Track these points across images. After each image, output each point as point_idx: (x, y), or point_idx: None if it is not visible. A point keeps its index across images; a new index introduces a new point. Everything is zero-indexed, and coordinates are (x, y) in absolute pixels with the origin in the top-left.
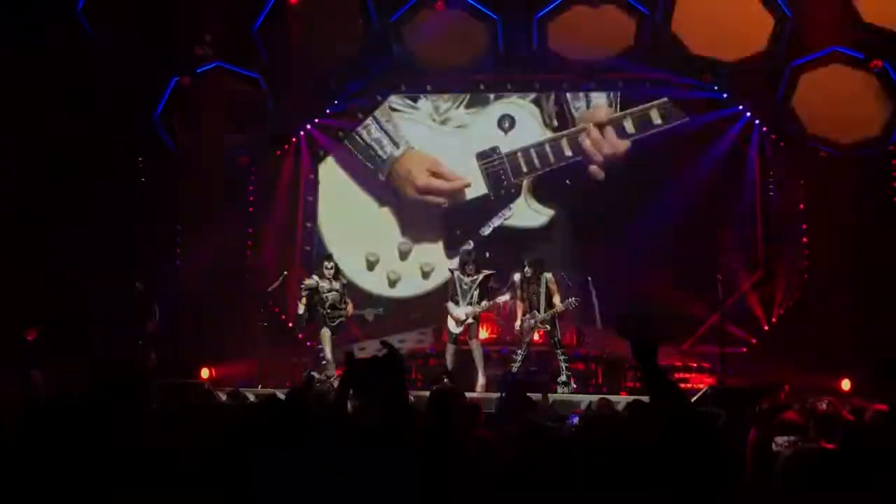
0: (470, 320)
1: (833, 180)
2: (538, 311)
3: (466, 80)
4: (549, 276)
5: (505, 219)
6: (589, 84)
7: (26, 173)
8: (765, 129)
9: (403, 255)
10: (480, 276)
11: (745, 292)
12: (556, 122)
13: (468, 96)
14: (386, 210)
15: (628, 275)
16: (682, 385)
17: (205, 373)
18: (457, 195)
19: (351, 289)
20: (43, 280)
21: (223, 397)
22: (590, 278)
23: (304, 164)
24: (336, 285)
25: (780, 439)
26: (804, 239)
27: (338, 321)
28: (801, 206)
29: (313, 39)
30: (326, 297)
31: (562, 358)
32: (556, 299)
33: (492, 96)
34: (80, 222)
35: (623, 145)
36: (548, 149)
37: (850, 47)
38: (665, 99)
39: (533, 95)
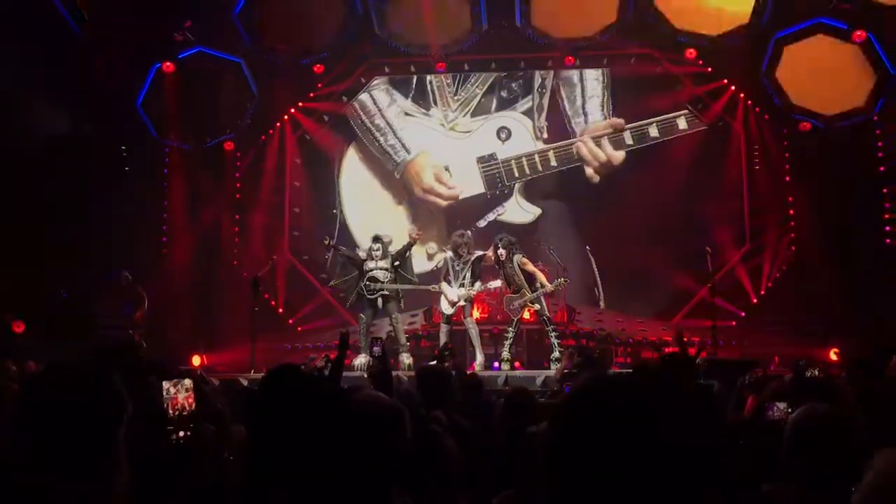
0: (462, 302)
1: (818, 152)
2: (526, 291)
3: (450, 60)
4: (518, 257)
5: (498, 214)
6: (573, 62)
7: (7, 164)
8: (749, 102)
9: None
10: (472, 257)
11: (734, 266)
12: (546, 135)
13: (474, 105)
14: (399, 203)
15: (619, 252)
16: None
17: (196, 360)
18: (454, 200)
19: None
20: (26, 271)
21: (216, 383)
22: (588, 247)
23: (289, 149)
24: (383, 264)
25: (780, 405)
26: (790, 211)
27: (377, 295)
28: (787, 178)
29: (294, 23)
30: (371, 272)
31: (553, 335)
32: (541, 277)
33: (493, 108)
34: (65, 212)
35: (619, 156)
36: (537, 159)
37: (834, 18)
38: (664, 116)
39: (527, 106)
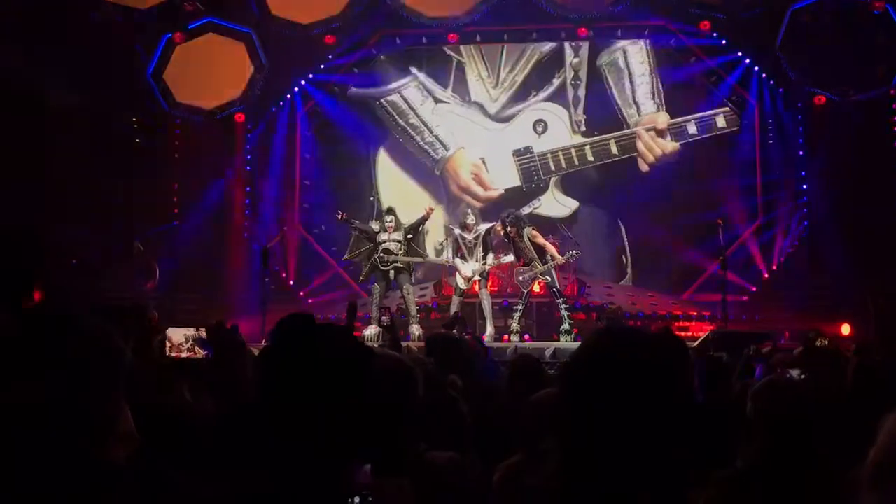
0: (477, 277)
1: (833, 126)
2: (537, 263)
3: (462, 31)
4: (528, 230)
5: (534, 208)
6: (587, 34)
7: (22, 137)
8: (764, 75)
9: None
10: (482, 230)
11: (746, 240)
12: (583, 128)
13: (508, 95)
14: (439, 201)
15: (630, 226)
16: (682, 333)
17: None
18: (489, 201)
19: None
20: (41, 242)
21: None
22: (620, 221)
23: (299, 121)
24: (396, 236)
25: (793, 372)
26: (803, 186)
27: (390, 266)
28: (801, 152)
29: None
30: (384, 244)
31: (563, 307)
32: (552, 250)
33: (531, 100)
34: (78, 183)
35: (674, 147)
36: (573, 153)
37: None
38: (703, 114)
39: (566, 99)
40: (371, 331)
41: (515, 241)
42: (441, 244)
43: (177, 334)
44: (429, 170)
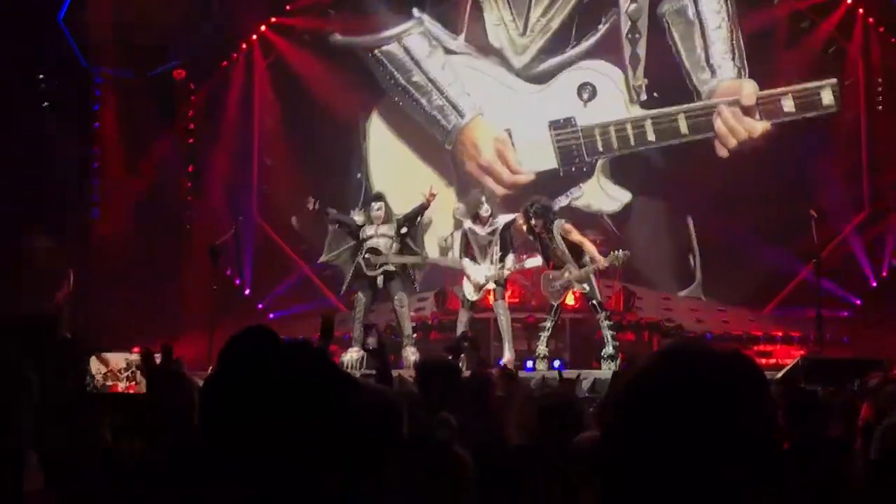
0: (491, 284)
1: None
2: (571, 267)
3: None
4: (559, 224)
5: (573, 199)
6: None
7: None
8: (871, 20)
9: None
10: (500, 224)
11: (847, 237)
12: (643, 97)
13: (539, 46)
14: (448, 184)
15: (698, 220)
16: (764, 360)
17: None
18: (515, 187)
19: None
20: None
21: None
22: (690, 217)
23: (258, 79)
24: (385, 230)
25: None
26: None
27: (379, 269)
28: None
29: None
30: (370, 241)
31: (606, 325)
32: (591, 249)
33: (568, 52)
34: None
35: (762, 128)
36: (629, 130)
37: None
38: (803, 87)
39: (622, 58)
40: (352, 355)
41: (542, 237)
42: (446, 240)
43: (117, 359)
44: (437, 143)
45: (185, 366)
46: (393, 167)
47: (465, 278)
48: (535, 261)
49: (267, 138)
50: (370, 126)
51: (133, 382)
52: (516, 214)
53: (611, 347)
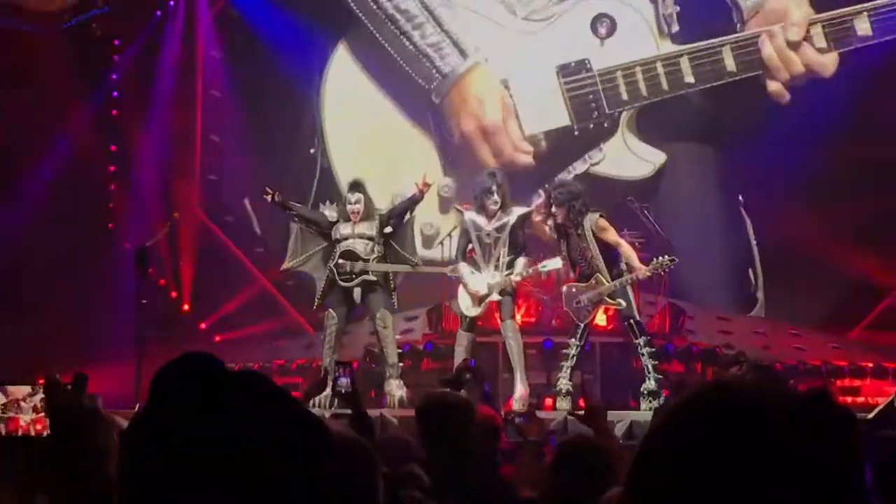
0: (495, 296)
1: None
2: (603, 277)
3: None
4: (593, 219)
5: (592, 163)
6: None
7: None
8: None
9: (449, 202)
10: (511, 218)
11: None
12: (675, 28)
13: None
14: (423, 139)
15: (767, 218)
16: (849, 399)
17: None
18: (512, 167)
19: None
20: None
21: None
22: (742, 199)
23: (200, 34)
24: (364, 228)
25: None
26: None
27: (356, 279)
28: None
29: None
30: (345, 243)
31: (646, 352)
32: (629, 253)
33: None
34: None
35: (829, 61)
36: (660, 70)
37: None
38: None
39: None
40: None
41: (569, 233)
42: (431, 226)
43: (21, 391)
44: (422, 96)
45: (101, 401)
46: (357, 136)
47: (460, 287)
48: (555, 263)
49: (213, 109)
50: (327, 80)
51: (42, 415)
52: (533, 207)
53: (653, 381)
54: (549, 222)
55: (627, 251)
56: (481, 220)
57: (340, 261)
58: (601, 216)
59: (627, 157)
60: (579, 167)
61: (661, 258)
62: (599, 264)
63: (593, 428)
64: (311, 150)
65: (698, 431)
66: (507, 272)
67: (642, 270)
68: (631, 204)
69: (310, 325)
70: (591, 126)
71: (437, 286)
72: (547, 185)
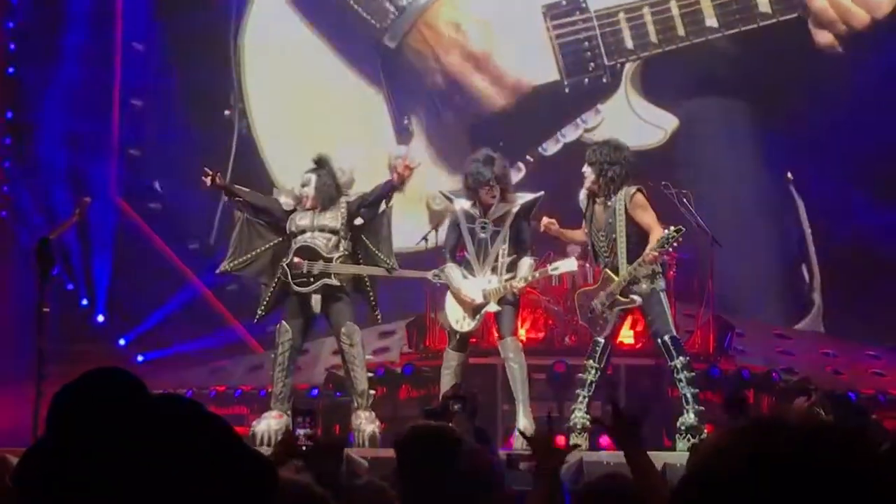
0: (493, 306)
1: None
2: (611, 272)
3: None
4: (630, 192)
5: (587, 128)
6: None
7: None
8: None
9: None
10: (513, 207)
11: None
12: None
13: None
14: (374, 95)
15: (828, 205)
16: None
17: None
18: (516, 95)
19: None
20: None
21: None
22: (791, 177)
23: None
24: (328, 220)
25: None
26: None
27: (315, 283)
28: None
29: None
30: (302, 237)
31: (684, 377)
32: (654, 236)
33: None
34: None
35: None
36: (675, 12)
37: None
38: None
39: None
40: (269, 423)
41: (594, 207)
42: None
43: None
44: (370, 43)
45: None
46: (286, 95)
47: (449, 296)
48: (568, 264)
49: (134, 67)
50: (248, 24)
51: None
52: (536, 195)
53: (692, 415)
54: (593, 183)
55: (658, 234)
56: (475, 210)
57: (296, 259)
58: (640, 190)
59: (631, 120)
60: (570, 133)
61: (666, 231)
62: (622, 250)
63: (628, 454)
64: (227, 112)
65: (733, 481)
66: (507, 276)
67: (645, 253)
68: (666, 189)
69: (258, 342)
70: (586, 81)
71: (419, 294)
72: (592, 146)
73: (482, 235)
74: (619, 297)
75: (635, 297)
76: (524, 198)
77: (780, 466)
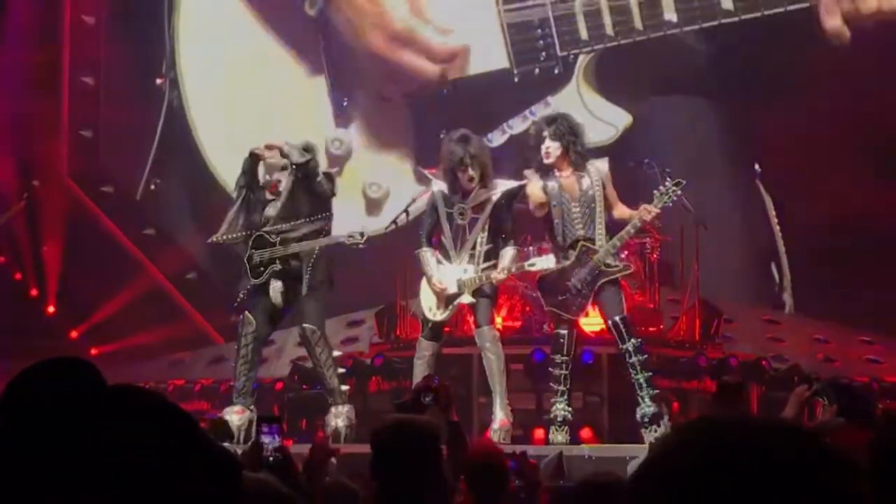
0: (467, 298)
1: None
2: (587, 243)
3: None
4: (603, 168)
5: (535, 121)
6: None
7: None
8: None
9: (339, 161)
10: (494, 194)
11: None
12: None
13: None
14: (308, 74)
15: (808, 191)
16: None
17: None
18: (450, 68)
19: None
20: None
21: None
22: (758, 168)
23: None
24: (290, 210)
25: None
26: None
27: (266, 273)
28: None
29: None
30: (261, 212)
31: (634, 361)
32: (623, 208)
33: None
34: None
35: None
36: (634, 3)
37: None
38: None
39: None
40: (231, 418)
41: (560, 177)
42: (372, 187)
43: None
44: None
45: None
46: (222, 68)
47: (423, 282)
48: (546, 261)
49: (84, 42)
50: None
51: None
52: (520, 183)
53: (648, 401)
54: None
55: (622, 208)
56: (456, 198)
57: (257, 245)
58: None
59: (583, 115)
60: (518, 126)
61: (662, 187)
62: (601, 220)
63: None
64: (158, 81)
65: (678, 480)
66: (486, 265)
67: (647, 208)
68: (649, 168)
69: (218, 333)
70: (537, 71)
71: (389, 280)
72: (538, 119)
73: (460, 221)
74: (603, 267)
75: (630, 263)
76: (506, 185)
77: (726, 464)
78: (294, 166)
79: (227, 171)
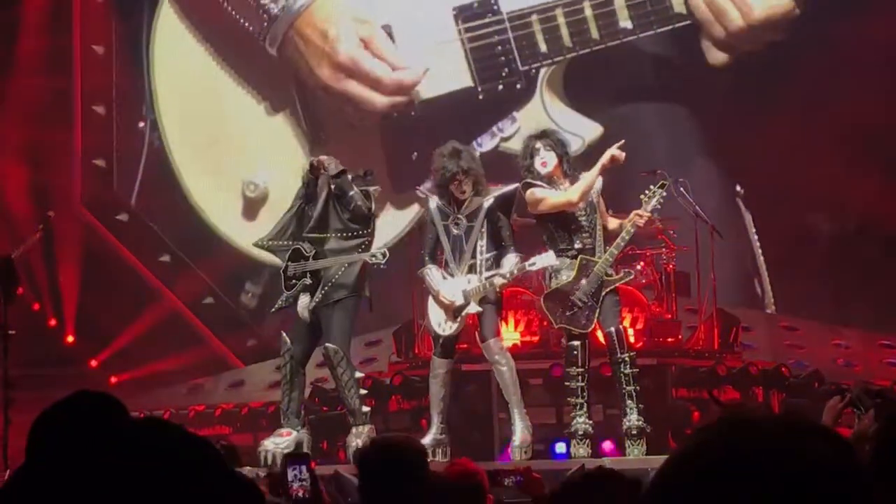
0: (474, 307)
1: None
2: (605, 258)
3: None
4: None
5: (503, 137)
6: None
7: None
8: None
9: (255, 204)
10: (486, 201)
11: None
12: None
13: None
14: (280, 108)
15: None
16: None
17: None
18: (401, 95)
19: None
20: None
21: None
22: (740, 188)
23: None
24: (325, 195)
25: None
26: None
27: (297, 286)
28: None
29: None
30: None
31: (628, 372)
32: (607, 220)
33: None
34: None
35: (783, 6)
36: (588, 14)
37: None
38: None
39: None
40: (273, 442)
41: (556, 187)
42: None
43: None
44: (252, 48)
45: None
46: (194, 88)
47: (430, 299)
48: (547, 259)
49: (95, 74)
50: (156, 36)
51: None
52: (513, 186)
53: (636, 414)
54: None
55: (612, 219)
56: (451, 212)
57: (289, 263)
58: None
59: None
60: (486, 142)
61: (648, 190)
62: (600, 231)
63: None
64: (140, 125)
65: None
66: (489, 274)
67: (638, 213)
68: (662, 179)
69: (237, 357)
70: (501, 87)
71: (406, 298)
72: (529, 136)
73: (456, 232)
74: (606, 277)
75: (630, 269)
76: (499, 190)
77: (751, 465)
78: (330, 178)
79: (216, 215)
